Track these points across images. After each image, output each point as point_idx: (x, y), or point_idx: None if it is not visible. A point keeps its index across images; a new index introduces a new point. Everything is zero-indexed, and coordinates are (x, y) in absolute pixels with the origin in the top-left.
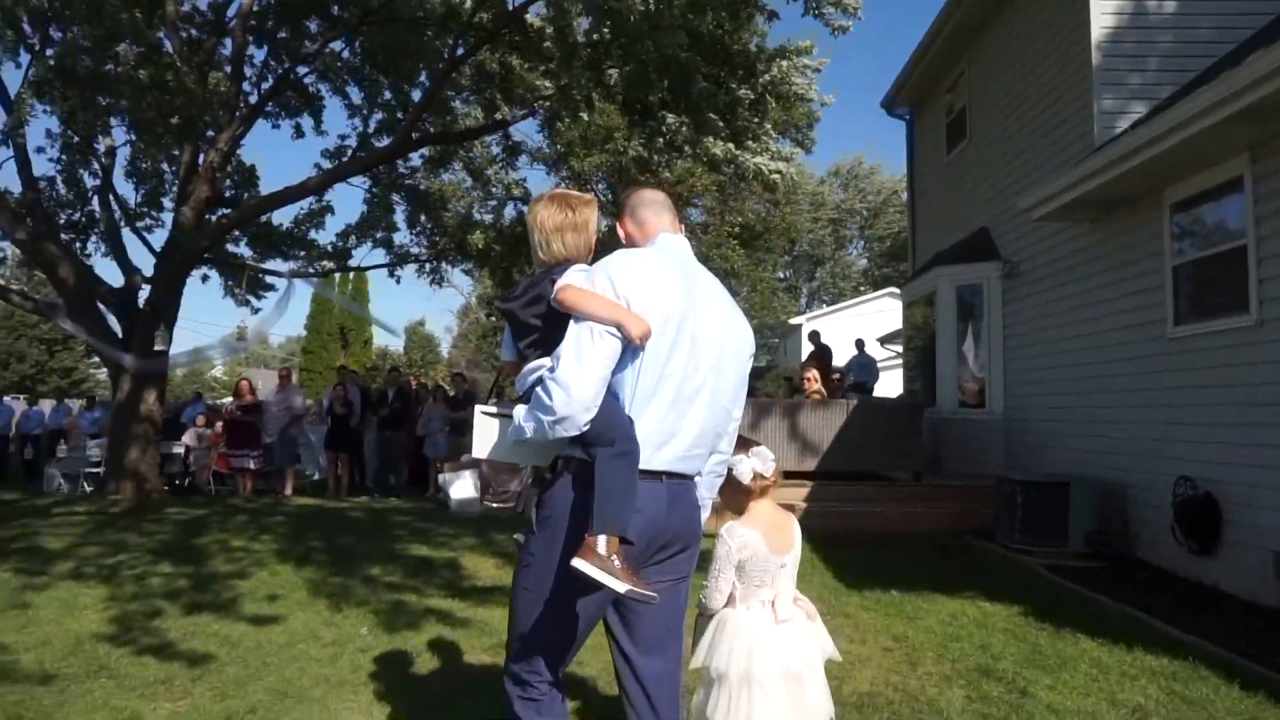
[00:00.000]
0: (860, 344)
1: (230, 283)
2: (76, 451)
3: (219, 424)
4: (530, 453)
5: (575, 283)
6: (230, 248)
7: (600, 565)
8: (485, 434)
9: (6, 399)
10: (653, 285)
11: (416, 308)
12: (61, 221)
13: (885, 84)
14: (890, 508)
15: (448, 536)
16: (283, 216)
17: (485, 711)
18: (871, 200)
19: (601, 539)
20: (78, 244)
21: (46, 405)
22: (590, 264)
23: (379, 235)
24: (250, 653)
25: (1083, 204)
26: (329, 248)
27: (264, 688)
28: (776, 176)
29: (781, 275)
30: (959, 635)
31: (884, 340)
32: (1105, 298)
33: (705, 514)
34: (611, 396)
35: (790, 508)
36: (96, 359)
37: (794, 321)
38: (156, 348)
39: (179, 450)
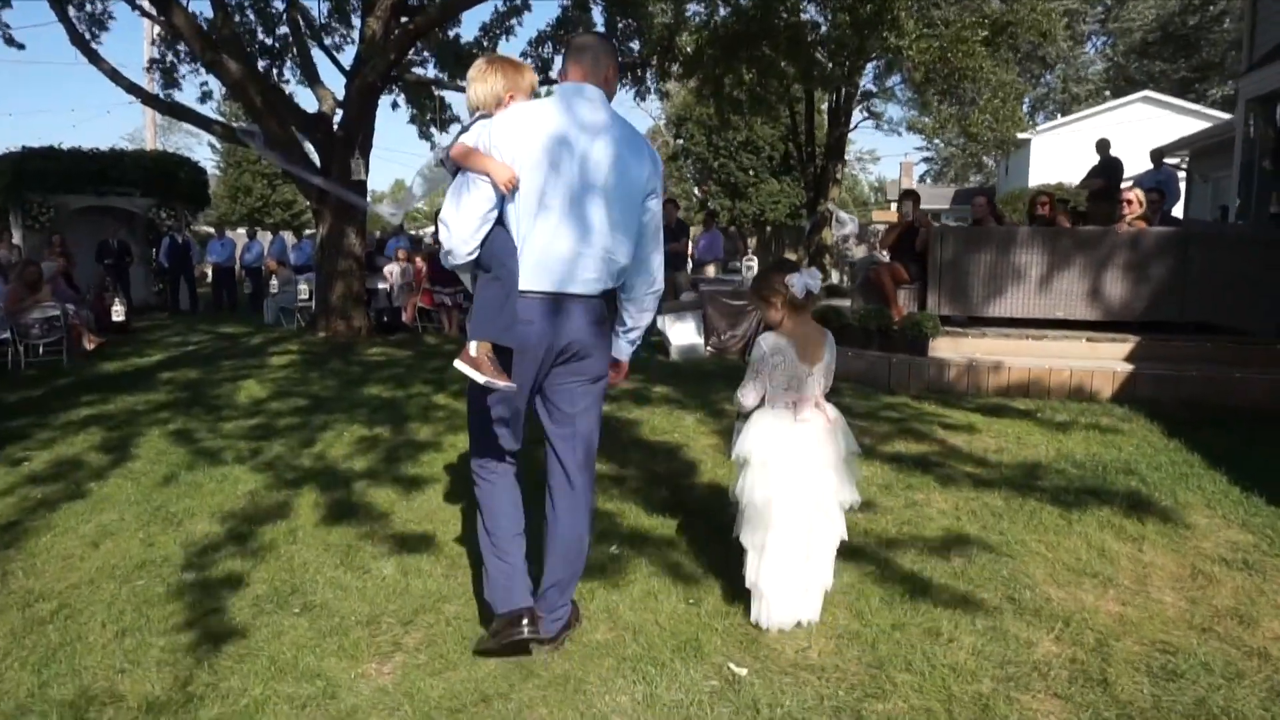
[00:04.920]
0: (1159, 156)
1: (415, 111)
2: (289, 286)
3: (419, 259)
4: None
5: (466, 139)
6: (418, 70)
7: (470, 364)
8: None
9: (228, 234)
10: (520, 135)
11: None
12: (257, 48)
13: None
14: (1255, 375)
15: (671, 403)
16: (471, 30)
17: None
18: None
19: (474, 345)
20: (274, 69)
21: (265, 239)
22: None
23: None
24: (476, 579)
25: None
26: (521, 59)
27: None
28: None
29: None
30: None
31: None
32: None
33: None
34: (503, 230)
35: None
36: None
37: (1023, 136)
38: (354, 177)
39: (383, 286)
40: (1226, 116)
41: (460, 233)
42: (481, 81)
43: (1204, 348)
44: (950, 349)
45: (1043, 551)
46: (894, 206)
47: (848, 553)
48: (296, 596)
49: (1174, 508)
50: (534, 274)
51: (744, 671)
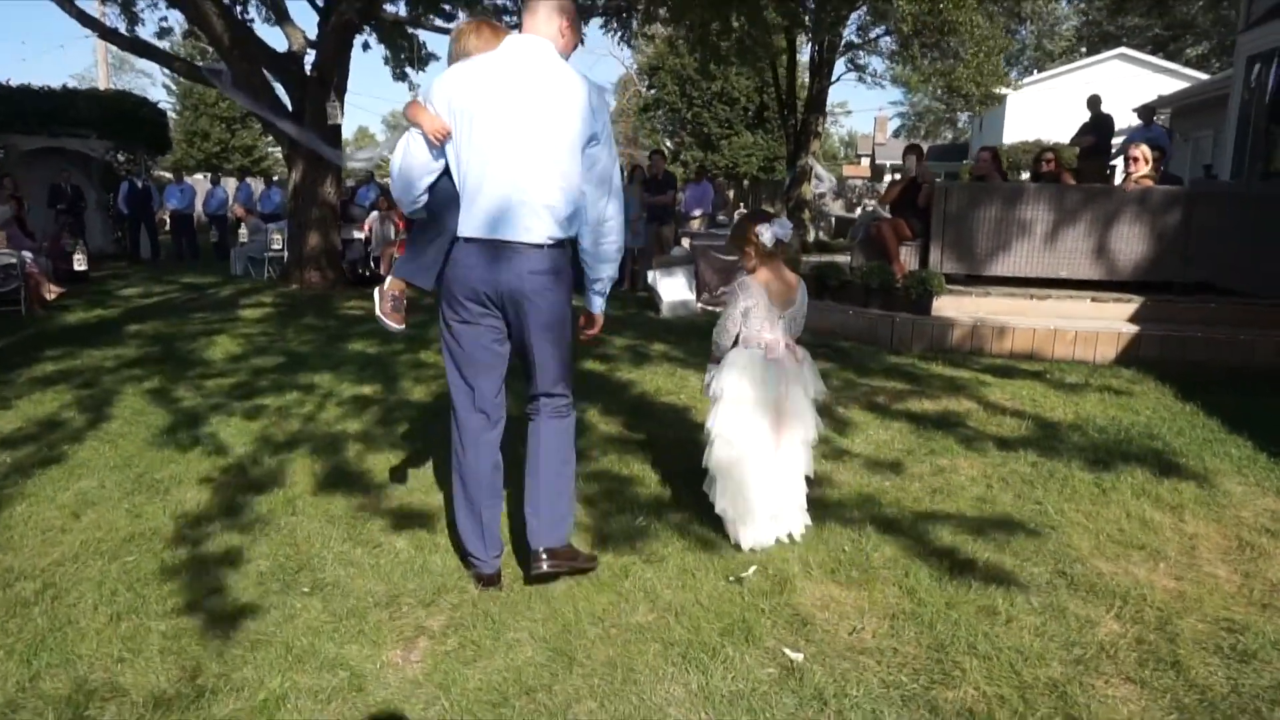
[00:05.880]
0: (1149, 113)
1: (389, 51)
2: (258, 235)
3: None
4: None
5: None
6: (389, 7)
7: (378, 295)
8: None
9: (186, 179)
10: (458, 88)
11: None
12: None
13: None
14: (1261, 336)
15: (672, 361)
16: None
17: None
18: None
19: (389, 280)
20: (237, 7)
21: (230, 184)
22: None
23: None
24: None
25: None
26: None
27: (533, 637)
28: None
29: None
30: None
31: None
32: None
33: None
34: (448, 179)
35: None
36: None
37: (1001, 92)
38: (330, 121)
39: (359, 236)
40: (1203, 76)
41: (402, 181)
42: (456, 41)
43: (1208, 308)
44: (953, 308)
45: (1083, 522)
46: (864, 161)
47: (885, 524)
48: (305, 574)
49: (1205, 474)
50: (473, 221)
51: (800, 656)
